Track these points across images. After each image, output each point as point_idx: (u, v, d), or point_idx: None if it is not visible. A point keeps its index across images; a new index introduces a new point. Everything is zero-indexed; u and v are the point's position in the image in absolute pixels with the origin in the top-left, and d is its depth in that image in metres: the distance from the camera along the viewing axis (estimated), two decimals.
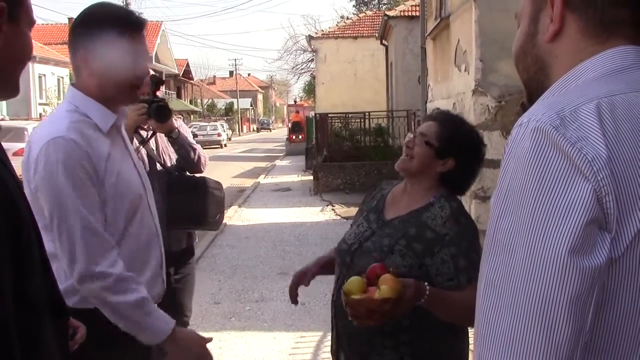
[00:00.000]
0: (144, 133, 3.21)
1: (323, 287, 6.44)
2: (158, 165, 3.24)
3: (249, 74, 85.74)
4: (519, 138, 0.91)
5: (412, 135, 2.07)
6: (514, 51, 1.10)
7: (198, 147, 3.42)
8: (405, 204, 2.06)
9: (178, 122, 3.35)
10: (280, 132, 60.80)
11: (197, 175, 3.43)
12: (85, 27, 1.95)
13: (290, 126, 30.85)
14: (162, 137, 3.30)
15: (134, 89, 2.02)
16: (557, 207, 0.86)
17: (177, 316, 3.39)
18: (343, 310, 1.82)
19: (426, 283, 1.82)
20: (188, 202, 3.23)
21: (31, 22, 1.24)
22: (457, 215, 1.98)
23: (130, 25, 1.97)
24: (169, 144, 3.32)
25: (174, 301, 3.25)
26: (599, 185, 0.85)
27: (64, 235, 1.86)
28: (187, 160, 3.34)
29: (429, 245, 1.93)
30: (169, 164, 3.32)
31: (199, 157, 3.37)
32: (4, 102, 26.97)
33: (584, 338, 0.87)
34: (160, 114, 3.08)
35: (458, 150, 2.03)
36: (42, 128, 2.01)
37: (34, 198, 1.86)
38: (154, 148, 3.27)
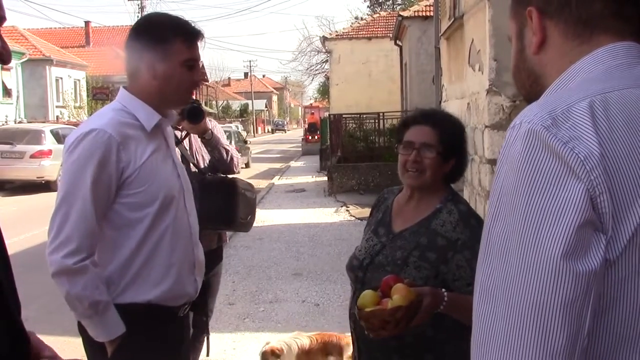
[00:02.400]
0: (178, 133, 3.29)
1: (337, 288, 6.45)
2: (191, 165, 3.32)
3: (263, 76, 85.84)
4: (512, 140, 0.90)
5: (412, 149, 2.00)
6: (511, 71, 1.11)
7: (231, 148, 3.46)
8: (413, 213, 2.03)
9: (212, 123, 3.41)
10: (295, 133, 60.87)
11: (229, 176, 3.46)
12: (152, 33, 2.08)
13: (306, 127, 31.47)
14: (195, 138, 3.37)
15: (189, 93, 2.20)
16: (549, 210, 0.84)
17: (197, 316, 3.42)
18: (361, 324, 1.81)
19: (444, 290, 1.80)
20: (219, 203, 3.28)
21: None
22: (466, 218, 1.95)
23: (192, 34, 2.12)
24: (203, 145, 3.37)
25: (197, 300, 3.29)
26: (592, 184, 0.84)
27: (61, 213, 1.98)
28: (220, 161, 3.39)
29: (442, 252, 1.90)
30: (202, 165, 3.39)
31: (232, 158, 3.42)
32: (21, 105, 27.26)
33: (582, 343, 0.85)
34: (193, 115, 3.16)
35: (459, 146, 2.05)
36: (86, 122, 2.16)
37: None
38: (188, 148, 3.35)
